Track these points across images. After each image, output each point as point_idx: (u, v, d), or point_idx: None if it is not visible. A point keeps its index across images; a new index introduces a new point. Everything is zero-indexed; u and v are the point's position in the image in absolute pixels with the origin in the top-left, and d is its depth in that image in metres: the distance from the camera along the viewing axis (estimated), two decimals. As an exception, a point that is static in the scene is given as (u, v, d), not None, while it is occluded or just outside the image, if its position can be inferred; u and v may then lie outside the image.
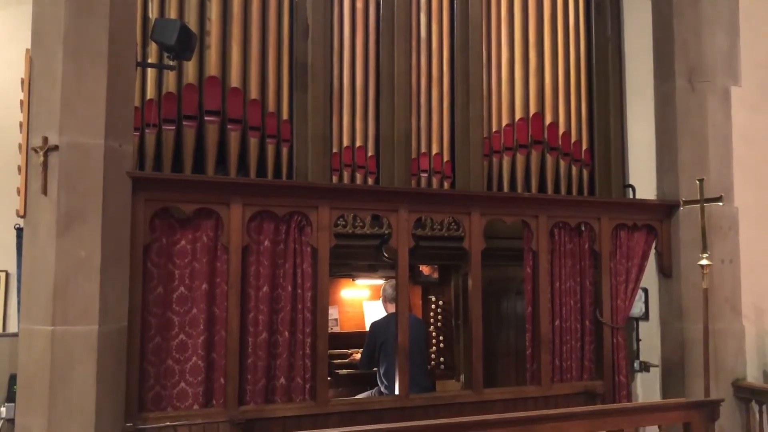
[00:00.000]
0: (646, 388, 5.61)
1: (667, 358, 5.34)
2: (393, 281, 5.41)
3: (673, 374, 5.25)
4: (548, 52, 6.05)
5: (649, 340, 5.58)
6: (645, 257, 5.26)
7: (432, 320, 6.20)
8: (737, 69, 5.43)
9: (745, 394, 5.02)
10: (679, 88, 5.35)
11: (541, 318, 4.87)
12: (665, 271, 5.34)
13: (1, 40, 4.76)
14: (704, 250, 4.78)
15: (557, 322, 4.96)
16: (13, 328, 4.73)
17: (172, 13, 5.06)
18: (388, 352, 5.27)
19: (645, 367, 5.57)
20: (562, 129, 6.00)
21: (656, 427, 4.18)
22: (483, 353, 4.72)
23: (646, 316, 5.60)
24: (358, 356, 5.89)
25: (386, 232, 5.19)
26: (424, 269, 6.12)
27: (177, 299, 4.03)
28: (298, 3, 5.41)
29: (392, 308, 5.37)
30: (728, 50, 5.40)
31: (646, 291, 5.53)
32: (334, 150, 5.39)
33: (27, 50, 3.75)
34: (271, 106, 5.24)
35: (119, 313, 3.74)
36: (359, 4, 5.55)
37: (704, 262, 4.75)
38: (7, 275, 4.85)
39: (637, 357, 5.65)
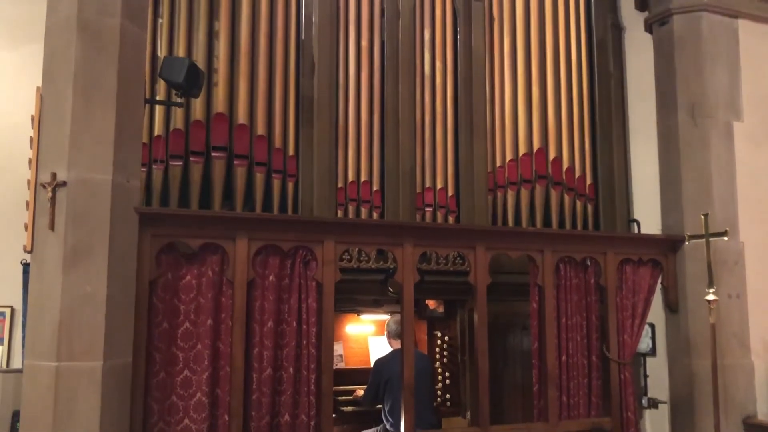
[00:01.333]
0: (655, 426, 5.54)
1: (675, 395, 5.28)
2: (397, 317, 5.38)
3: (682, 411, 5.18)
4: (551, 88, 6.11)
5: (657, 376, 5.52)
6: (651, 292, 5.22)
7: (438, 356, 6.15)
8: (739, 104, 5.48)
9: (756, 431, 4.94)
10: (681, 123, 5.39)
11: (548, 353, 4.82)
12: (672, 306, 5.31)
13: (13, 78, 4.83)
14: (710, 284, 4.76)
15: (564, 358, 4.91)
16: (17, 364, 4.70)
17: (181, 51, 5.15)
18: (394, 389, 5.21)
19: (653, 403, 5.50)
20: (566, 164, 6.03)
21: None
22: (489, 389, 4.67)
23: (653, 352, 5.55)
24: (360, 392, 5.83)
25: (391, 266, 5.18)
26: (430, 303, 6.09)
27: (182, 335, 4.02)
28: (305, 41, 5.50)
29: (396, 344, 5.34)
30: (729, 86, 5.45)
31: (652, 326, 5.49)
32: (340, 184, 5.42)
33: (38, 88, 3.81)
34: (277, 142, 5.30)
35: (124, 348, 3.72)
36: (364, 42, 5.65)
37: (711, 297, 4.73)
38: (12, 311, 4.84)
39: (645, 393, 5.59)
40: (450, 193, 5.70)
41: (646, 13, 5.90)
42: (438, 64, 5.84)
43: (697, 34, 5.44)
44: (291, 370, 4.21)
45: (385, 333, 5.81)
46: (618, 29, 6.41)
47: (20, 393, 3.61)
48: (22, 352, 4.27)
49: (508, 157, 5.93)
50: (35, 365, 3.55)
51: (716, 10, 5.49)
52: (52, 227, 3.57)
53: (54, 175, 3.58)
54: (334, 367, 4.42)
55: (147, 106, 4.71)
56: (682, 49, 5.47)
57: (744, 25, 5.59)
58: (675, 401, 5.29)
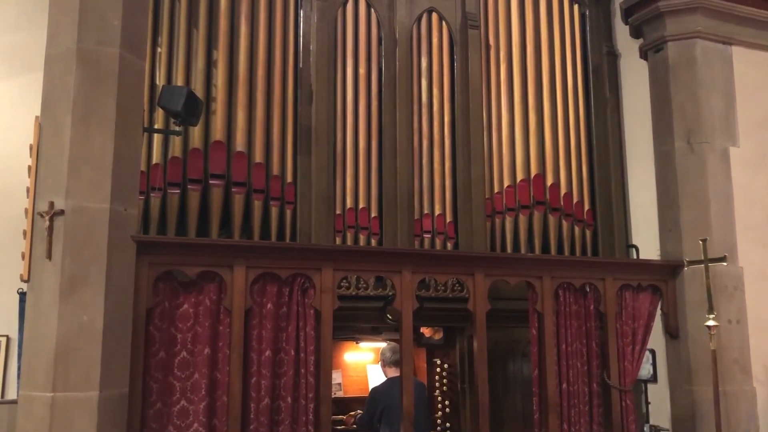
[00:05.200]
0: (658, 453, 5.48)
1: (677, 422, 5.22)
2: (392, 344, 5.35)
3: (684, 438, 5.14)
4: (548, 115, 6.14)
5: (659, 403, 5.46)
6: (651, 318, 5.20)
7: (437, 384, 6.07)
8: (735, 130, 5.51)
9: (759, 459, 4.89)
10: (678, 148, 5.41)
11: (548, 381, 4.78)
12: (672, 332, 5.28)
13: (12, 107, 4.85)
14: (710, 310, 4.74)
15: (564, 386, 4.87)
16: (12, 394, 4.65)
17: (179, 80, 5.18)
18: (391, 418, 5.14)
19: (656, 431, 5.44)
20: (563, 190, 6.04)
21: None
22: (490, 417, 4.62)
23: (654, 378, 5.50)
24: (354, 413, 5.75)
25: (390, 293, 5.16)
26: (425, 331, 6.03)
27: (179, 364, 3.98)
28: (303, 69, 5.54)
29: (392, 372, 5.27)
30: (725, 111, 5.49)
31: (653, 352, 5.45)
32: (338, 211, 5.42)
33: (36, 117, 3.83)
34: (275, 169, 5.31)
35: (120, 378, 3.69)
36: (362, 70, 5.69)
37: (711, 322, 4.70)
38: (8, 340, 4.80)
39: (647, 420, 5.53)
40: (448, 219, 5.70)
41: (640, 41, 5.96)
42: (435, 92, 5.88)
43: (692, 60, 5.50)
44: (289, 399, 4.17)
45: (380, 361, 5.73)
46: (613, 56, 6.47)
47: (15, 424, 3.55)
48: (18, 383, 4.22)
49: (506, 183, 5.94)
50: (30, 396, 3.51)
51: (710, 37, 5.55)
52: (49, 256, 3.56)
53: (52, 204, 3.58)
54: (333, 396, 4.39)
55: (145, 134, 4.72)
56: (677, 75, 5.52)
57: (737, 52, 5.65)
58: (677, 429, 5.23)
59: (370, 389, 5.68)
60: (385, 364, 5.60)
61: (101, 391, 3.52)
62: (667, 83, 5.56)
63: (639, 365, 5.11)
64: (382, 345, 5.99)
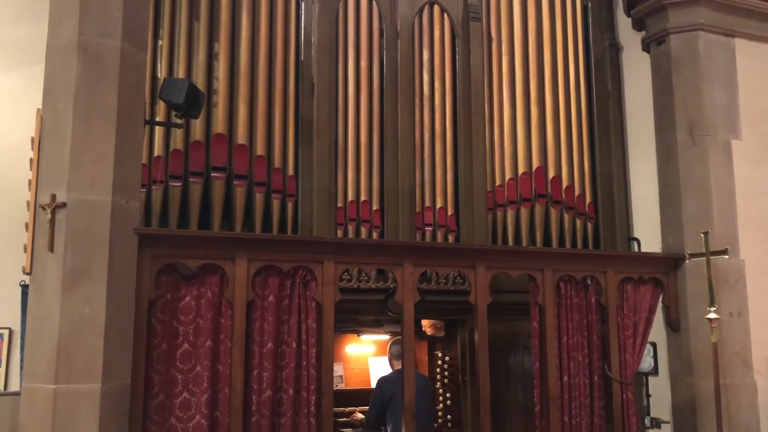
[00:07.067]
0: (658, 446, 5.50)
1: (678, 414, 5.24)
2: (399, 339, 5.36)
3: (685, 431, 5.14)
4: (550, 108, 6.13)
5: (660, 396, 5.48)
6: (652, 311, 5.20)
7: (438, 376, 6.11)
8: (737, 123, 5.50)
9: (760, 451, 4.91)
10: (680, 141, 5.41)
11: (549, 374, 4.79)
12: (673, 325, 5.29)
13: (13, 99, 4.84)
14: (712, 303, 4.74)
15: (566, 378, 4.88)
16: (15, 386, 4.67)
17: (181, 73, 5.18)
18: (396, 409, 5.16)
19: (656, 423, 5.46)
20: (565, 182, 6.03)
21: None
22: (491, 410, 4.63)
23: (655, 371, 5.52)
24: (359, 415, 5.77)
25: (391, 286, 5.16)
26: (427, 329, 6.03)
27: (181, 356, 3.99)
28: (304, 62, 5.53)
29: (398, 366, 5.30)
30: (727, 104, 5.48)
31: (654, 345, 5.47)
32: (339, 204, 5.42)
33: (38, 110, 3.82)
34: (276, 162, 5.31)
35: (123, 370, 3.70)
36: (363, 63, 5.68)
37: (712, 315, 4.71)
38: (11, 332, 4.81)
39: (648, 413, 5.54)
40: (450, 212, 5.70)
41: (643, 33, 5.94)
42: (437, 84, 5.86)
43: (694, 53, 5.48)
44: (291, 391, 4.18)
45: (388, 355, 5.75)
46: (616, 49, 6.45)
47: (18, 416, 3.57)
48: (21, 375, 4.24)
49: (508, 176, 5.93)
50: (33, 388, 3.52)
51: (712, 30, 5.54)
52: (51, 249, 3.56)
53: (53, 197, 3.59)
54: (334, 388, 4.39)
55: (147, 127, 4.72)
56: (680, 68, 5.50)
57: (740, 44, 5.64)
58: (678, 421, 5.25)
59: (377, 379, 5.70)
60: (393, 357, 5.63)
61: (104, 383, 3.53)
62: (670, 76, 5.55)
63: (640, 358, 5.12)
64: (384, 337, 6.02)
